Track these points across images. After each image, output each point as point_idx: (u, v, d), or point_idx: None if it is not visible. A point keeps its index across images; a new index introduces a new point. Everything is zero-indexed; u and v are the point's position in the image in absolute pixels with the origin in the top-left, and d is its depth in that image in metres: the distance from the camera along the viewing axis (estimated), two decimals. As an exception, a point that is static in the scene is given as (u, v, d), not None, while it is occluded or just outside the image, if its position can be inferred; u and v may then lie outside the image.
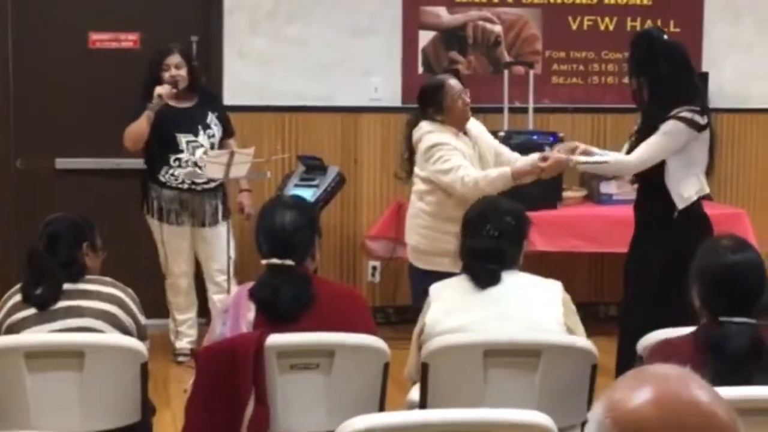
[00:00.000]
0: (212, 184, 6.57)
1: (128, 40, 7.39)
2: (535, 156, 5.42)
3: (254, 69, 7.44)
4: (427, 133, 5.48)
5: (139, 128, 6.50)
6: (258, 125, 7.34)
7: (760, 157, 8.06)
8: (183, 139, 6.55)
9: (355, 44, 7.57)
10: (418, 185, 5.60)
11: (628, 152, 5.35)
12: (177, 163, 6.53)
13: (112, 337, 3.86)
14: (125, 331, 3.92)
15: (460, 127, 5.55)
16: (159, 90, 6.48)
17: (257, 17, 7.46)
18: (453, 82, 5.60)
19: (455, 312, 3.94)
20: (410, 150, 5.65)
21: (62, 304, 3.90)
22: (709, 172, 5.43)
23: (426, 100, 5.59)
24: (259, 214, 4.02)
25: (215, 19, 7.42)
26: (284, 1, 7.48)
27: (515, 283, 3.99)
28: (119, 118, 7.21)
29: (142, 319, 4.02)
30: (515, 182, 5.32)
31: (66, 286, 3.93)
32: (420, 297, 5.36)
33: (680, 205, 5.23)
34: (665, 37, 5.52)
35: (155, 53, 6.75)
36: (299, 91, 7.52)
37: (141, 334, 3.97)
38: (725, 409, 1.62)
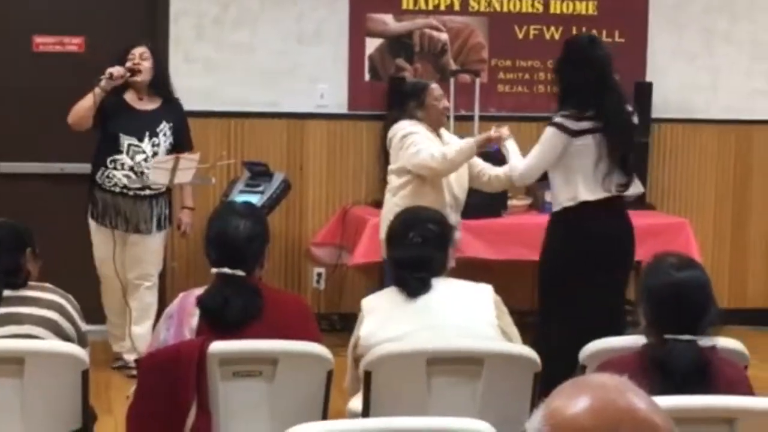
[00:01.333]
0: (147, 192, 6.43)
1: (73, 43, 7.33)
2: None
3: (200, 75, 7.41)
4: (403, 128, 5.81)
5: (83, 103, 6.33)
6: (204, 131, 7.30)
7: (702, 168, 8.14)
8: (126, 141, 6.38)
9: (302, 51, 7.57)
10: (392, 182, 5.87)
11: None
12: (113, 164, 6.38)
13: (53, 344, 3.83)
14: (66, 337, 3.88)
15: (435, 128, 5.88)
16: (111, 69, 6.30)
17: (203, 23, 7.43)
18: (435, 85, 6.01)
19: (388, 324, 3.94)
20: (386, 152, 6.03)
21: (1, 311, 3.86)
22: (624, 173, 5.48)
23: (408, 96, 5.92)
24: (210, 221, 3.99)
25: (161, 24, 7.38)
26: (230, 8, 7.46)
27: (445, 289, 4.01)
28: (64, 122, 7.16)
29: (83, 326, 3.99)
30: (479, 149, 5.68)
31: (5, 292, 3.89)
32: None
33: (554, 208, 5.54)
34: (594, 43, 5.60)
35: (125, 47, 6.55)
36: (245, 97, 7.50)
37: (82, 341, 3.94)
38: (662, 417, 1.64)
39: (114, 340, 6.74)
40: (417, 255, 3.99)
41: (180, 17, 7.40)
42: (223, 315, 3.74)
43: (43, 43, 7.30)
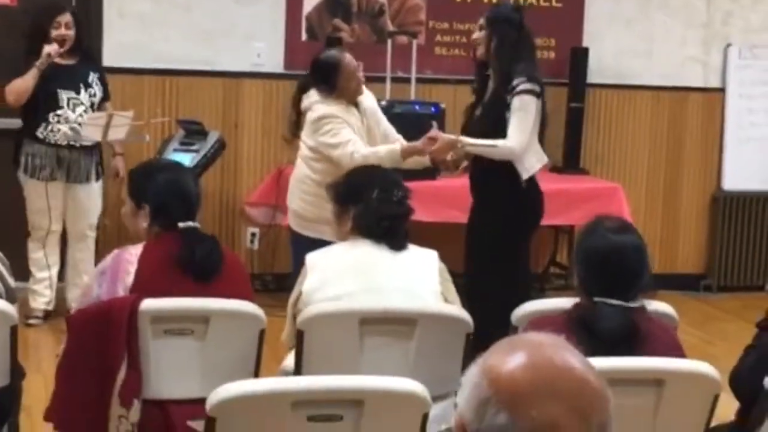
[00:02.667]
0: (89, 143, 6.51)
1: (5, -4, 7.21)
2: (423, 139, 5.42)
3: (135, 30, 7.33)
4: (317, 102, 5.50)
5: (24, 84, 6.42)
6: (138, 88, 7.23)
7: (636, 133, 8.21)
8: (64, 95, 6.48)
9: (239, 9, 7.50)
10: (305, 152, 5.59)
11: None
12: (56, 119, 6.44)
13: (-19, 299, 3.78)
14: (-6, 293, 3.83)
15: (351, 101, 5.58)
16: (48, 49, 6.41)
17: (139, -22, 7.34)
18: (348, 59, 5.59)
19: (333, 282, 3.94)
20: (297, 113, 5.66)
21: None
22: (541, 140, 5.56)
23: (319, 77, 5.57)
24: (152, 182, 3.89)
25: (96, -23, 7.27)
26: (167, -38, 7.38)
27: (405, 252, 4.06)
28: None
29: (12, 282, 3.93)
30: (404, 160, 5.36)
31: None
32: (300, 263, 5.39)
33: (525, 175, 5.39)
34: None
35: (46, 8, 6.64)
36: (181, 55, 7.43)
37: (10, 297, 3.88)
38: (595, 376, 1.67)
39: (34, 295, 6.68)
40: (405, 211, 4.11)
41: (115, -29, 7.29)
42: (210, 266, 3.76)
43: (-26, -5, 7.18)
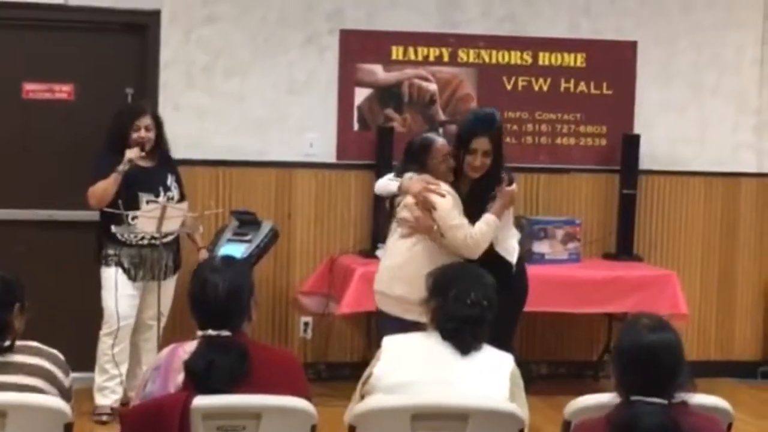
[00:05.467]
0: (169, 238, 6.55)
1: (62, 91, 7.34)
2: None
3: (189, 123, 7.42)
4: None
5: (106, 188, 6.45)
6: (192, 179, 7.30)
7: (689, 220, 8.17)
8: (144, 198, 6.52)
9: (291, 100, 7.59)
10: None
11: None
12: (135, 221, 6.44)
13: (35, 398, 3.76)
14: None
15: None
16: (129, 154, 6.47)
17: (193, 72, 7.45)
18: (441, 143, 5.66)
19: (403, 367, 3.94)
20: (391, 204, 5.71)
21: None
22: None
23: (410, 157, 5.67)
24: (192, 280, 3.92)
25: (151, 72, 7.39)
26: (221, 57, 7.48)
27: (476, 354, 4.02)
28: (52, 169, 7.18)
29: (67, 382, 3.90)
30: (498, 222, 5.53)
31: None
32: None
33: (513, 258, 5.63)
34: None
35: (127, 110, 6.76)
36: (234, 146, 7.51)
37: (65, 397, 3.87)
38: None
39: (102, 392, 6.64)
40: (475, 314, 4.01)
41: (170, 65, 7.41)
42: (208, 379, 3.69)
43: (33, 90, 7.31)
